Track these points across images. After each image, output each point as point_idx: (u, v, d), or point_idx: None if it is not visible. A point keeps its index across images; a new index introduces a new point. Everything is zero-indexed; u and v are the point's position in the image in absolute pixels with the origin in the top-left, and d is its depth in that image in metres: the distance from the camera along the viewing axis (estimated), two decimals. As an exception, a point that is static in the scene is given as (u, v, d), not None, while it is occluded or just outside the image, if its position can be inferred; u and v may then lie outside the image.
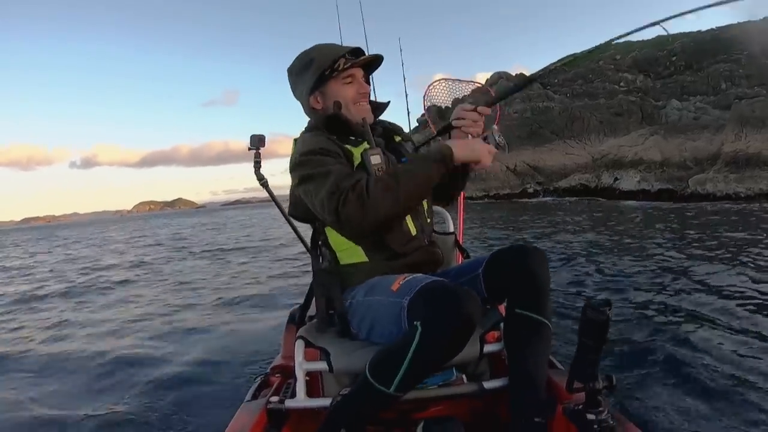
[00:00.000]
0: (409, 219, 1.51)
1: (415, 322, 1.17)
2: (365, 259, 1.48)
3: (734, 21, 43.44)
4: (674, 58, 39.31)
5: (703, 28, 43.23)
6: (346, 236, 1.46)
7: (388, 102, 1.68)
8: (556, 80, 45.17)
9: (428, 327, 1.14)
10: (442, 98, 2.22)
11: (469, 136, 1.52)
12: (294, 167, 1.45)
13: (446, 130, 1.61)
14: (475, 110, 1.52)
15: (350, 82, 1.54)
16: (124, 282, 8.76)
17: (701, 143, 24.71)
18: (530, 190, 30.88)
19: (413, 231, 1.51)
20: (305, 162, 1.41)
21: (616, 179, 26.14)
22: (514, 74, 46.55)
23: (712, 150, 23.28)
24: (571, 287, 5.23)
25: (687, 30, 44.55)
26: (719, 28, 40.65)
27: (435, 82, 2.00)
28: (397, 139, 1.65)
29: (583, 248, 7.91)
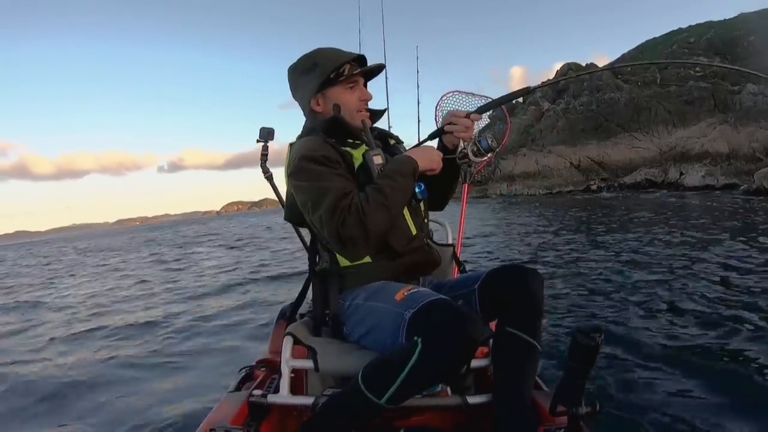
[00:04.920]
0: (408, 218, 1.52)
1: (415, 338, 1.16)
2: (368, 259, 1.48)
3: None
4: (752, 38, 37.06)
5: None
6: (345, 256, 1.48)
7: (386, 109, 1.71)
8: (628, 69, 43.82)
9: (429, 346, 1.14)
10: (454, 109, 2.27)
11: (461, 141, 1.57)
12: (293, 172, 1.42)
13: (438, 135, 1.62)
14: (467, 117, 1.54)
15: (353, 88, 1.56)
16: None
17: (774, 132, 23.56)
18: (593, 187, 30.49)
19: (413, 230, 1.52)
20: (304, 170, 1.40)
21: (681, 174, 25.45)
22: (584, 64, 45.53)
23: (787, 139, 22.17)
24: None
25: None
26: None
27: (448, 93, 2.02)
28: (392, 141, 1.68)
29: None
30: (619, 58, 49.83)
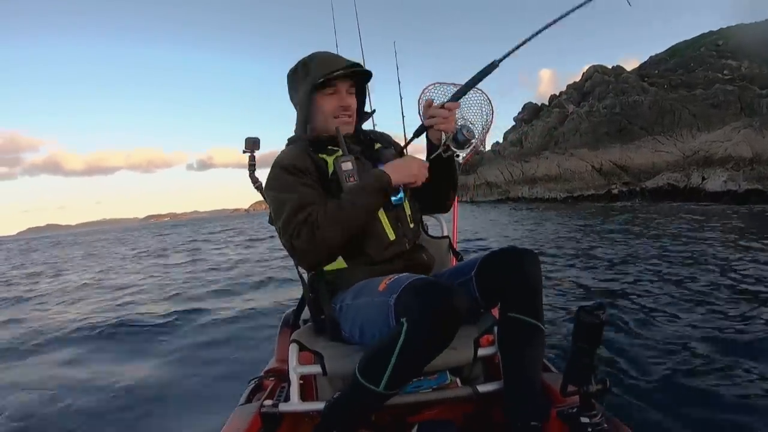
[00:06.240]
0: (386, 224, 1.50)
1: (401, 319, 1.17)
2: (344, 265, 1.49)
3: None
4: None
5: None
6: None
7: (373, 111, 1.70)
8: (656, 71, 43.13)
9: (414, 321, 1.14)
10: (437, 101, 2.02)
11: (442, 134, 1.52)
12: (266, 180, 1.48)
13: (421, 132, 1.58)
14: (442, 107, 1.49)
15: (332, 94, 1.53)
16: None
17: (801, 136, 22.98)
18: (615, 191, 30.06)
19: (391, 236, 1.49)
20: (273, 178, 1.45)
21: (703, 179, 25.01)
22: (611, 66, 44.92)
23: (814, 143, 21.38)
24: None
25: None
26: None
27: (429, 86, 1.95)
28: (377, 146, 1.63)
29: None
30: (647, 61, 49.16)
